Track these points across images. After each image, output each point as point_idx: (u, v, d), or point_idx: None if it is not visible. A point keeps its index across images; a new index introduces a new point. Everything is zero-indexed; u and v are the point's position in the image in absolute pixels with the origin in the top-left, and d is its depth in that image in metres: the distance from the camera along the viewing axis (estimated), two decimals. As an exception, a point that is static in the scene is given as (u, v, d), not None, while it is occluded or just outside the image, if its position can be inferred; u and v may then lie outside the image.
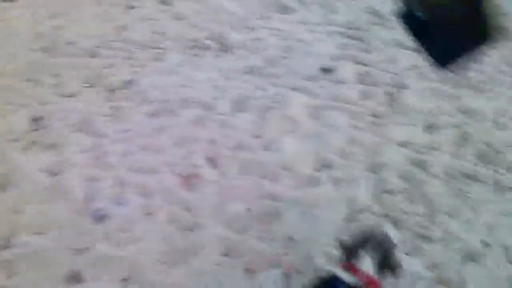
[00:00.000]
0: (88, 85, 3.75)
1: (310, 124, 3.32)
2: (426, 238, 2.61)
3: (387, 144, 3.22)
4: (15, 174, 2.93)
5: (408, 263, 2.48)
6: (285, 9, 4.82)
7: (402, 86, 3.82)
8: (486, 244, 2.59)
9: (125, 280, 2.40)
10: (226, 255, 2.65)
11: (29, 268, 2.44)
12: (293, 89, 3.74)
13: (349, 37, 4.38)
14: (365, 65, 4.05)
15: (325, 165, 3.05)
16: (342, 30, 4.43)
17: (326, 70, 3.97)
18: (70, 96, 3.61)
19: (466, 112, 3.58)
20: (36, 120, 3.36)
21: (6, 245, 2.55)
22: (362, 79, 3.89)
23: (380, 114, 3.50)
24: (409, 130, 3.38)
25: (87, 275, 2.42)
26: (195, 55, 4.16)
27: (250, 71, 4.00)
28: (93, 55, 4.08)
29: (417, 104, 3.63)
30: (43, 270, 2.43)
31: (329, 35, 4.43)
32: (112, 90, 3.70)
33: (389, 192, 2.88)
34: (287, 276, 2.44)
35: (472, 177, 3.03)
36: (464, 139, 3.32)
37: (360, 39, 4.37)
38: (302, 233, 2.65)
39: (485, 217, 2.76)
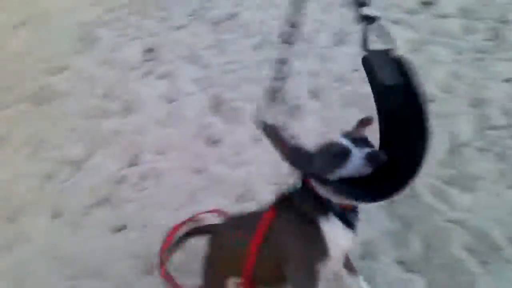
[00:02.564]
0: (193, 17, 3.93)
1: (412, 58, 3.34)
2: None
3: (490, 79, 3.21)
4: (136, 100, 3.18)
5: (510, 195, 2.53)
6: None
7: (506, 21, 3.73)
8: None
9: (240, 197, 2.60)
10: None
11: (155, 184, 2.70)
12: (394, 22, 3.75)
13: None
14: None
15: (428, 100, 3.09)
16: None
17: (427, 3, 3.92)
18: (178, 28, 3.80)
19: None
20: (148, 51, 3.59)
21: (134, 163, 2.82)
22: (464, 13, 3.83)
23: (484, 49, 3.46)
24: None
25: (205, 192, 2.65)
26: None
27: (347, 3, 4.00)
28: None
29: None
30: (167, 187, 2.68)
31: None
32: (216, 23, 3.85)
33: (492, 127, 2.89)
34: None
35: None
36: None
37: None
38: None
39: None
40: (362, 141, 1.34)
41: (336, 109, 3.00)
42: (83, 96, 3.19)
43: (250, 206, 2.46)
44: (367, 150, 1.28)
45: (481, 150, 2.72)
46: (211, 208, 2.21)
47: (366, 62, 1.34)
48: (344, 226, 1.39)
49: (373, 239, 2.30)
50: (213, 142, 2.92)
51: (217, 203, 2.54)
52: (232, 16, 3.83)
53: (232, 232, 1.65)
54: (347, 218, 1.39)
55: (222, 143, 2.89)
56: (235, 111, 3.06)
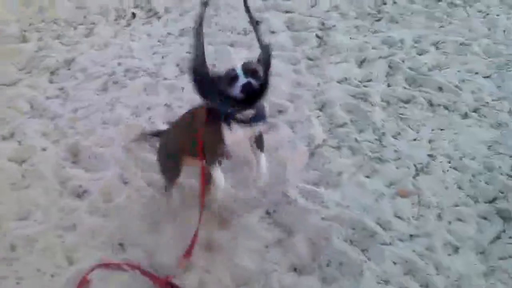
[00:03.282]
0: (26, 70, 3.73)
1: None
2: (380, 160, 2.92)
3: (327, 83, 3.51)
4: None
5: (370, 184, 2.78)
6: None
7: (328, 28, 4.11)
8: (432, 156, 2.94)
9: (119, 246, 2.51)
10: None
11: (26, 253, 2.50)
12: (229, 44, 3.93)
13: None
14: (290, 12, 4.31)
15: (280, 111, 3.28)
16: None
17: (258, 22, 4.17)
18: (11, 84, 3.58)
19: (389, 43, 3.93)
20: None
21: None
22: (290, 26, 4.15)
23: (314, 56, 3.80)
24: (343, 67, 3.69)
25: (83, 248, 2.51)
26: (126, 25, 4.20)
27: (183, 33, 4.11)
28: (23, 40, 4.02)
29: (346, 42, 3.94)
30: (40, 252, 2.50)
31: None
32: (53, 72, 3.70)
33: (340, 125, 3.16)
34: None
35: (407, 101, 3.37)
36: (392, 68, 3.66)
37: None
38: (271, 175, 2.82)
39: (426, 133, 3.10)
40: (252, 73, 1.97)
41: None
42: None
43: (133, 254, 2.40)
44: (247, 80, 1.93)
45: (336, 147, 2.94)
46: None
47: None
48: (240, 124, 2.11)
49: (261, 253, 2.37)
50: (79, 194, 2.79)
51: (97, 257, 2.44)
52: (68, 62, 3.70)
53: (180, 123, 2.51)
54: (241, 120, 2.10)
55: (90, 193, 2.77)
56: (96, 157, 2.96)
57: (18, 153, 3.02)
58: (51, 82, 3.59)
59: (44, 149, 3.04)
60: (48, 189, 2.81)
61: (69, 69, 3.69)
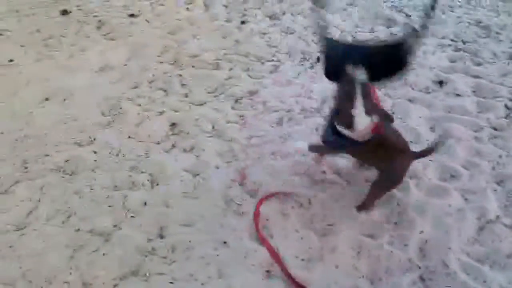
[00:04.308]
0: (214, 94, 4.07)
1: (430, 136, 3.45)
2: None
3: (510, 157, 3.29)
4: (162, 173, 3.24)
5: None
6: (391, 22, 4.99)
7: (517, 100, 3.88)
8: None
9: (268, 273, 2.61)
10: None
11: (184, 257, 2.71)
12: (409, 100, 3.90)
13: (459, 49, 4.50)
14: (479, 77, 4.15)
15: (452, 176, 3.16)
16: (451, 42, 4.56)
17: (441, 83, 4.09)
18: (200, 104, 3.93)
19: None
20: (173, 125, 3.69)
21: (162, 234, 2.84)
22: (477, 92, 3.99)
23: (500, 126, 3.58)
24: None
25: (234, 266, 2.65)
26: (309, 67, 4.39)
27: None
28: (217, 67, 4.41)
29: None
30: (196, 259, 2.69)
31: (439, 48, 4.55)
32: (237, 100, 3.99)
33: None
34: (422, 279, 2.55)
35: None
36: None
37: (470, 51, 4.47)
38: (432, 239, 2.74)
39: None
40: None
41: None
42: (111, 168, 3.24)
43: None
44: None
45: (510, 227, 2.76)
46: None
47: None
48: None
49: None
50: (240, 214, 2.95)
51: (245, 279, 2.55)
52: (251, 93, 3.97)
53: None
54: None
55: (248, 216, 2.92)
56: (262, 184, 3.11)
57: (194, 166, 3.27)
58: (233, 108, 3.84)
59: (217, 167, 3.26)
60: (214, 204, 3.00)
61: (251, 99, 3.93)
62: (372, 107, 2.39)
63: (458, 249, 2.65)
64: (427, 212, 2.86)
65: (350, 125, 2.38)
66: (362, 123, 2.39)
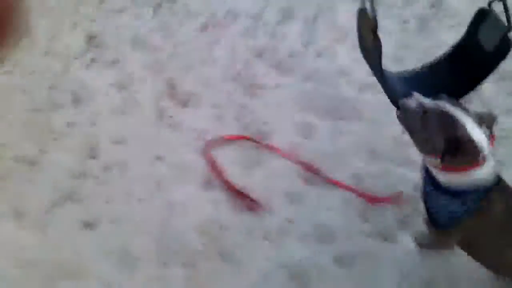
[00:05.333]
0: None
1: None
2: None
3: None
4: (85, 90, 3.04)
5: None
6: None
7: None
8: None
9: (207, 183, 2.57)
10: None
11: (118, 176, 2.61)
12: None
13: None
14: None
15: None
16: None
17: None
18: (119, 11, 3.65)
19: None
20: (91, 37, 3.42)
21: (93, 155, 2.70)
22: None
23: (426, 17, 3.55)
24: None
25: (172, 180, 2.59)
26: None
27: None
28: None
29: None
30: (131, 178, 2.60)
31: None
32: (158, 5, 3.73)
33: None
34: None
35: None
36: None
37: None
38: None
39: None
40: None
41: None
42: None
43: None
44: None
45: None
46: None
47: None
48: None
49: None
50: (172, 126, 2.85)
51: (185, 191, 2.51)
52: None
53: None
54: None
55: (182, 128, 2.83)
56: (192, 95, 3.00)
57: (119, 80, 3.11)
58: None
59: (144, 79, 3.12)
60: (146, 118, 2.89)
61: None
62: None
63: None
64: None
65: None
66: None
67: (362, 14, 2.06)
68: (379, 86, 2.18)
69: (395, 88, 2.14)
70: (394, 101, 1.90)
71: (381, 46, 1.90)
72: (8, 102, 2.95)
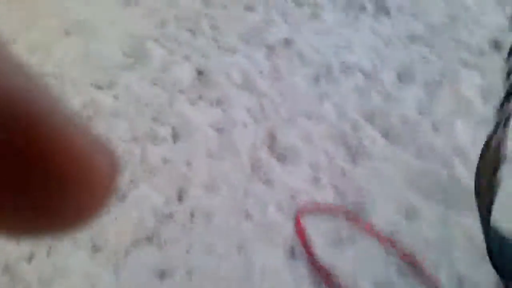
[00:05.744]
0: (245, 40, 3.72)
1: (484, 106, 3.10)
2: None
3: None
4: (186, 127, 2.98)
5: None
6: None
7: None
8: None
9: (291, 252, 2.41)
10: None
11: (203, 225, 2.50)
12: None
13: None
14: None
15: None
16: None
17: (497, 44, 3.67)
18: (231, 50, 3.59)
19: None
20: (200, 72, 3.38)
21: (181, 197, 2.62)
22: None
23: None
24: None
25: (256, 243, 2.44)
26: (352, 15, 4.00)
27: (412, 38, 3.78)
28: (248, 9, 4.01)
29: None
30: (215, 229, 2.48)
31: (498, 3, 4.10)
32: (270, 48, 3.64)
33: None
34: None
35: None
36: None
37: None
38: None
39: None
40: None
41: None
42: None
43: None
44: None
45: None
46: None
47: None
48: None
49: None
50: (266, 180, 2.71)
51: (268, 255, 2.37)
52: (287, 41, 3.61)
53: None
54: None
55: (275, 184, 2.68)
56: (291, 149, 2.85)
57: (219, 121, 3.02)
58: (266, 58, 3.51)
59: (245, 125, 3.00)
60: (240, 167, 2.77)
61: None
62: None
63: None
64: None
65: None
66: None
67: (488, 143, 1.43)
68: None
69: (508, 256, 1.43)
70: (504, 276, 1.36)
71: (496, 192, 1.33)
72: (110, 127, 2.95)
